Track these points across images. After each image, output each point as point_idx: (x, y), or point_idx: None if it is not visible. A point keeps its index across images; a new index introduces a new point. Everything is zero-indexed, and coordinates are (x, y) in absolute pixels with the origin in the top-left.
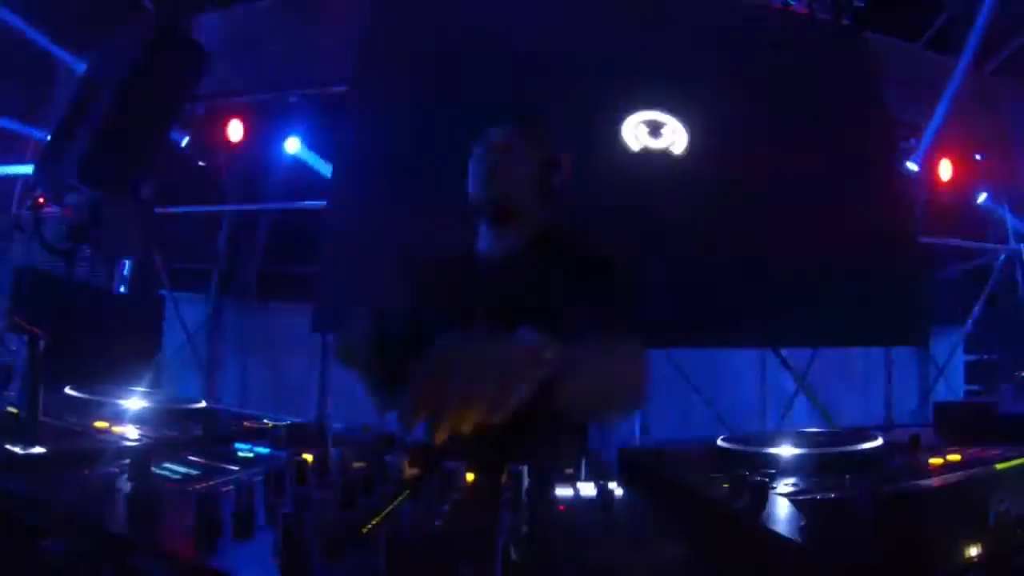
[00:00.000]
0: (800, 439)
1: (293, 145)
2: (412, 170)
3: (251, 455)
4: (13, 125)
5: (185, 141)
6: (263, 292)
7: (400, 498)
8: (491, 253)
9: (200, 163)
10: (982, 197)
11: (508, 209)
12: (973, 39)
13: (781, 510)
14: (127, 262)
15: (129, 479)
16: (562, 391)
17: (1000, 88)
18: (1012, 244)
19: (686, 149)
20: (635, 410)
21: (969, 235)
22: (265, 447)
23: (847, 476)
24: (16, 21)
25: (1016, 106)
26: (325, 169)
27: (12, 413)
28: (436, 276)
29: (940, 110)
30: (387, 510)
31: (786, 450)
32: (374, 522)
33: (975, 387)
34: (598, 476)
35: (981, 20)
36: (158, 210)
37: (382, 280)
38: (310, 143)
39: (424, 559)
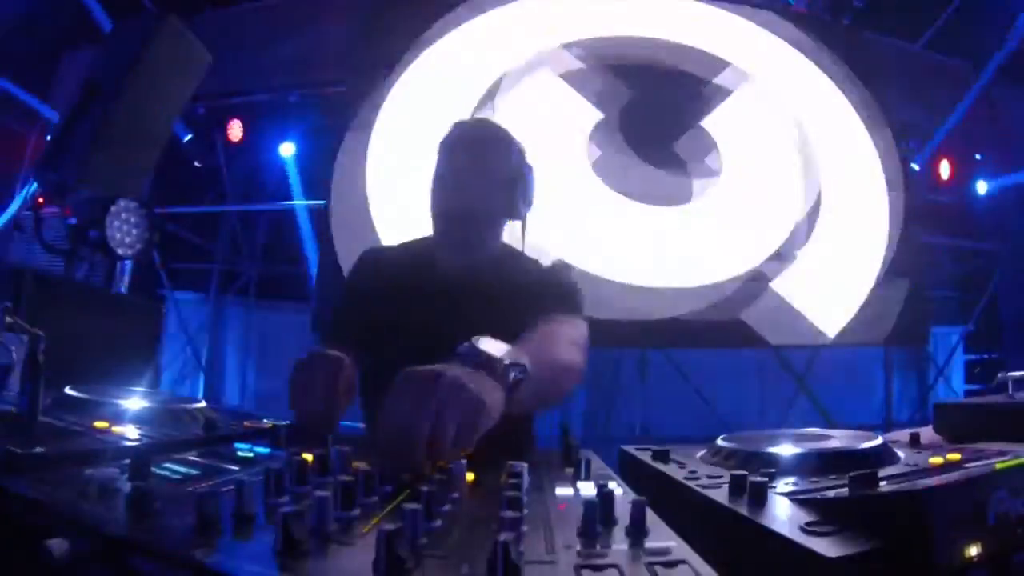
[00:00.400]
0: (800, 439)
1: (288, 150)
2: (410, 168)
3: (251, 455)
4: (13, 87)
5: (187, 138)
6: (263, 292)
7: (400, 498)
8: (453, 263)
9: (197, 164)
10: (982, 187)
11: (474, 223)
12: (1000, 55)
13: (781, 510)
14: (127, 262)
15: (129, 479)
16: (518, 394)
17: (1000, 88)
18: (1012, 244)
19: None
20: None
21: (969, 235)
22: (265, 447)
23: (847, 476)
24: None
25: (1016, 106)
26: (296, 183)
27: (12, 413)
28: (400, 281)
29: (953, 117)
30: (387, 510)
31: (786, 450)
32: (374, 522)
33: (975, 387)
34: (598, 476)
35: (1014, 42)
36: (158, 210)
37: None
38: (311, 143)
39: (424, 559)
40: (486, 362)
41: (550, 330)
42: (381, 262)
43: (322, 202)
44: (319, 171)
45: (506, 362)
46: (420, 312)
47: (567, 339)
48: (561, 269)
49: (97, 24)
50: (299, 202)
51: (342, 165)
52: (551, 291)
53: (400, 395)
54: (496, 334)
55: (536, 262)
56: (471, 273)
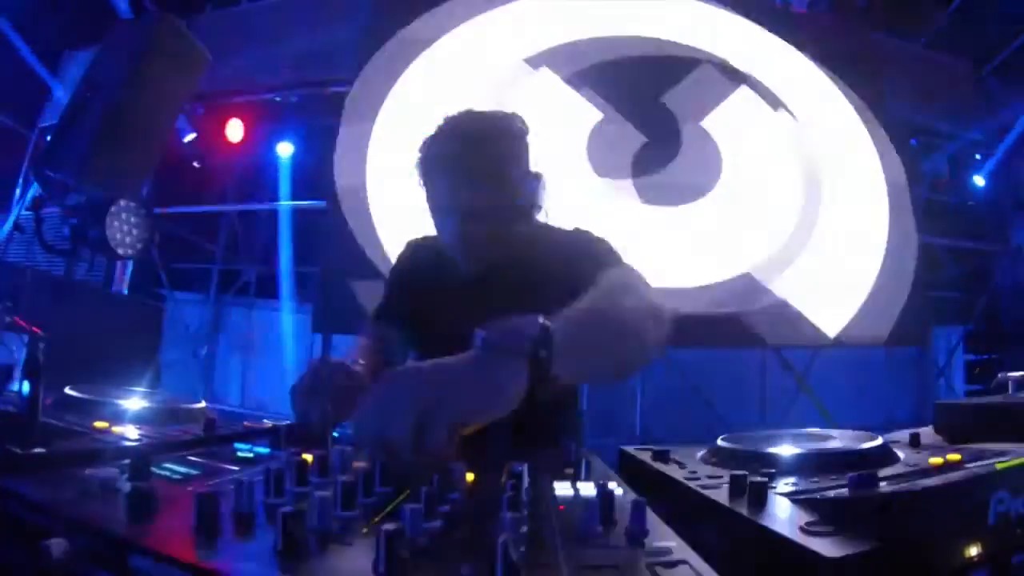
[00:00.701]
0: (800, 439)
1: (284, 151)
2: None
3: (251, 455)
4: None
5: (191, 137)
6: (263, 292)
7: (400, 498)
8: (466, 266)
9: (196, 164)
10: (979, 181)
11: (489, 226)
12: None
13: (781, 510)
14: (127, 262)
15: (129, 479)
16: (556, 366)
17: (999, 87)
18: (1012, 243)
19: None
20: (655, 354)
21: (969, 235)
22: (265, 447)
23: (847, 476)
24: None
25: (1015, 105)
26: (287, 183)
27: (12, 413)
28: (421, 286)
29: (1012, 136)
30: (387, 510)
31: (786, 450)
32: (374, 522)
33: (975, 387)
34: (598, 476)
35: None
36: (158, 210)
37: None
38: (311, 143)
39: (424, 559)
40: (500, 342)
41: (597, 288)
42: (420, 252)
43: (319, 202)
44: (320, 171)
45: (527, 337)
46: (454, 304)
47: (620, 287)
48: (587, 232)
49: (115, 9)
50: (301, 203)
51: (342, 162)
52: (587, 255)
53: (371, 400)
54: (533, 310)
55: (565, 231)
56: (499, 265)
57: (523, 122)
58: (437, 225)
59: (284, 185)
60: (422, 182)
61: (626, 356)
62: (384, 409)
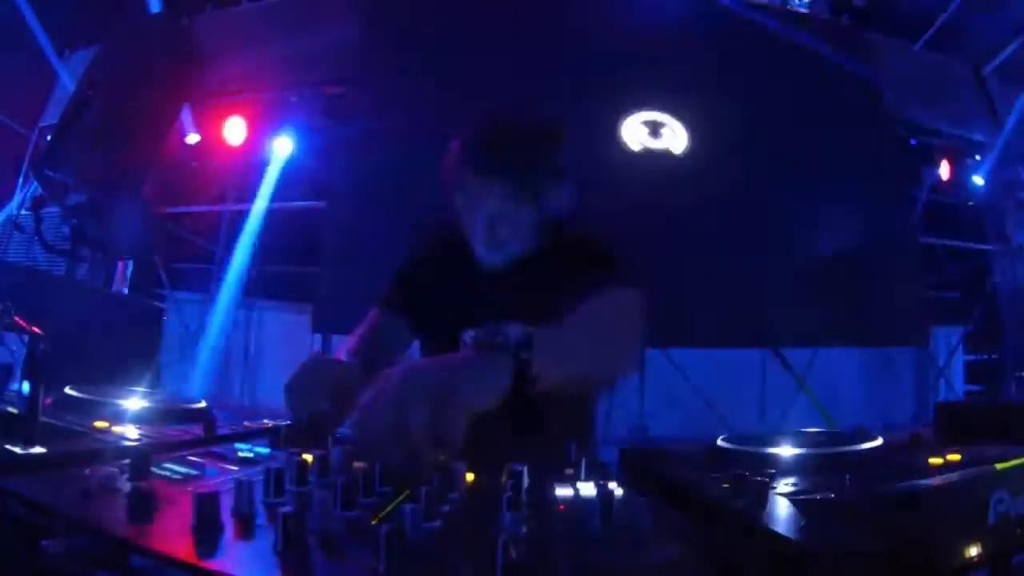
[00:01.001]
0: (800, 439)
1: (282, 150)
2: (411, 170)
3: (251, 455)
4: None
5: (194, 138)
6: (263, 292)
7: (400, 498)
8: (489, 263)
9: (195, 164)
10: (979, 181)
11: (509, 246)
12: None
13: (781, 510)
14: (127, 262)
15: (129, 479)
16: (537, 366)
17: (999, 87)
18: (1012, 243)
19: (686, 150)
20: (627, 373)
21: (968, 235)
22: (265, 447)
23: (847, 476)
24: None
25: (1014, 105)
26: (274, 182)
27: (12, 413)
28: (434, 281)
29: (1005, 132)
30: (387, 510)
31: (786, 450)
32: (374, 521)
33: (975, 387)
34: (598, 476)
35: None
36: (158, 210)
37: (382, 281)
38: (310, 143)
39: (424, 559)
40: (488, 343)
41: (594, 304)
42: (432, 243)
43: (318, 202)
44: (319, 171)
45: (511, 338)
46: (459, 302)
47: (613, 308)
48: (602, 241)
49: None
50: (301, 203)
51: (342, 162)
52: (591, 266)
53: (380, 397)
54: (539, 317)
55: (580, 240)
56: (515, 266)
57: (557, 121)
58: (464, 223)
59: (271, 181)
60: (447, 180)
61: (606, 371)
62: (397, 405)
